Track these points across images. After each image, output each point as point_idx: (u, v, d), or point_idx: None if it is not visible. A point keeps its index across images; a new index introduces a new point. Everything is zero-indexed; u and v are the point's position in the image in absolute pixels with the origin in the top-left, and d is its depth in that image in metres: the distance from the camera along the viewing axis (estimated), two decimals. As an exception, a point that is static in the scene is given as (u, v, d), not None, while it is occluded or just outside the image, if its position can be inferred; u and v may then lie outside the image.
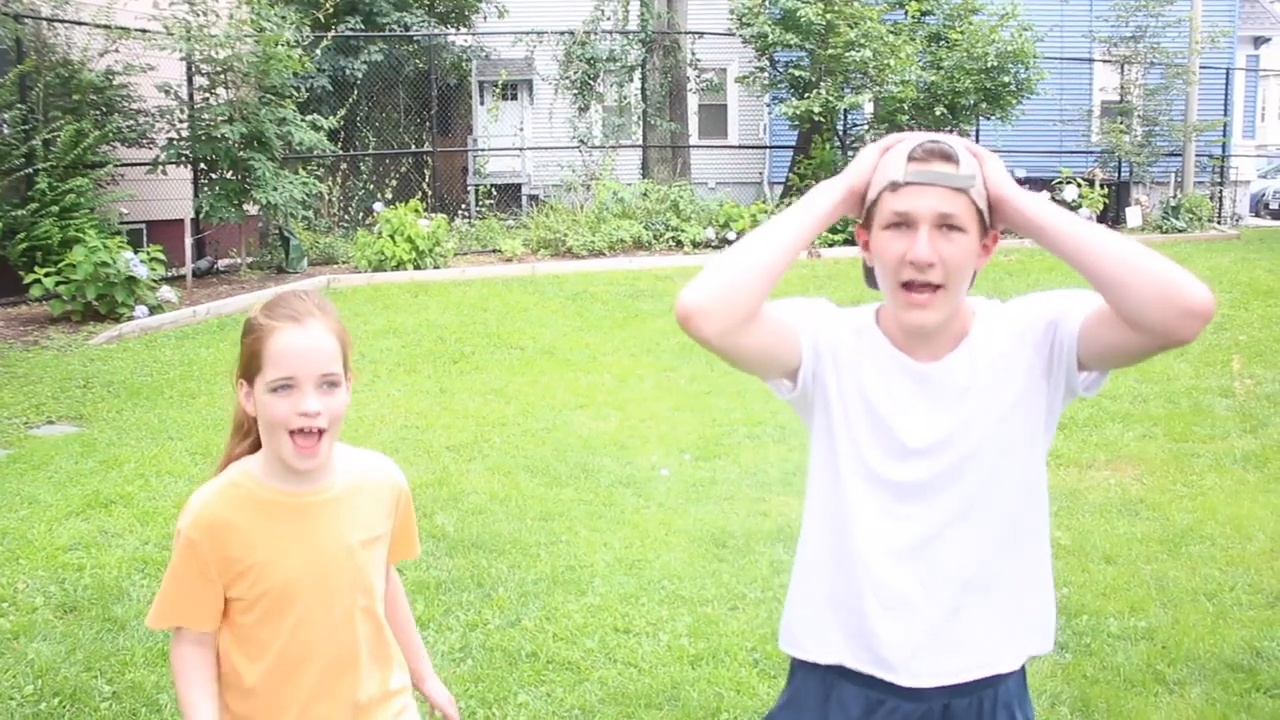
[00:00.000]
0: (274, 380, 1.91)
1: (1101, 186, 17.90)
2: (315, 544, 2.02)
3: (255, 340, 1.94)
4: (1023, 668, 2.02)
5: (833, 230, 15.24)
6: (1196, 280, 1.75)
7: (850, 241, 15.11)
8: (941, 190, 1.82)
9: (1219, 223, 19.43)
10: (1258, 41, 26.16)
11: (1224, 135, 20.45)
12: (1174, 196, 18.79)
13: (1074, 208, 17.11)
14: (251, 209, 13.13)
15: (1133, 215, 18.01)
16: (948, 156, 1.84)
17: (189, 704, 2.00)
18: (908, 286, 1.84)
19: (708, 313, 1.83)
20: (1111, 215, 18.07)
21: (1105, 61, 20.24)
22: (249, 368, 1.95)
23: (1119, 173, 19.29)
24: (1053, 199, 17.19)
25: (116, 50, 12.23)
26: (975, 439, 1.91)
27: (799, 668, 2.12)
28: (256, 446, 2.05)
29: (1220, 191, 20.33)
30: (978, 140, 18.13)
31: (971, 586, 1.94)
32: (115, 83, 12.30)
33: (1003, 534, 1.95)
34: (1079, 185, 17.34)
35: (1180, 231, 17.49)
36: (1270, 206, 24.97)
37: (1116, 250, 1.79)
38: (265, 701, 2.04)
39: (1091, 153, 19.42)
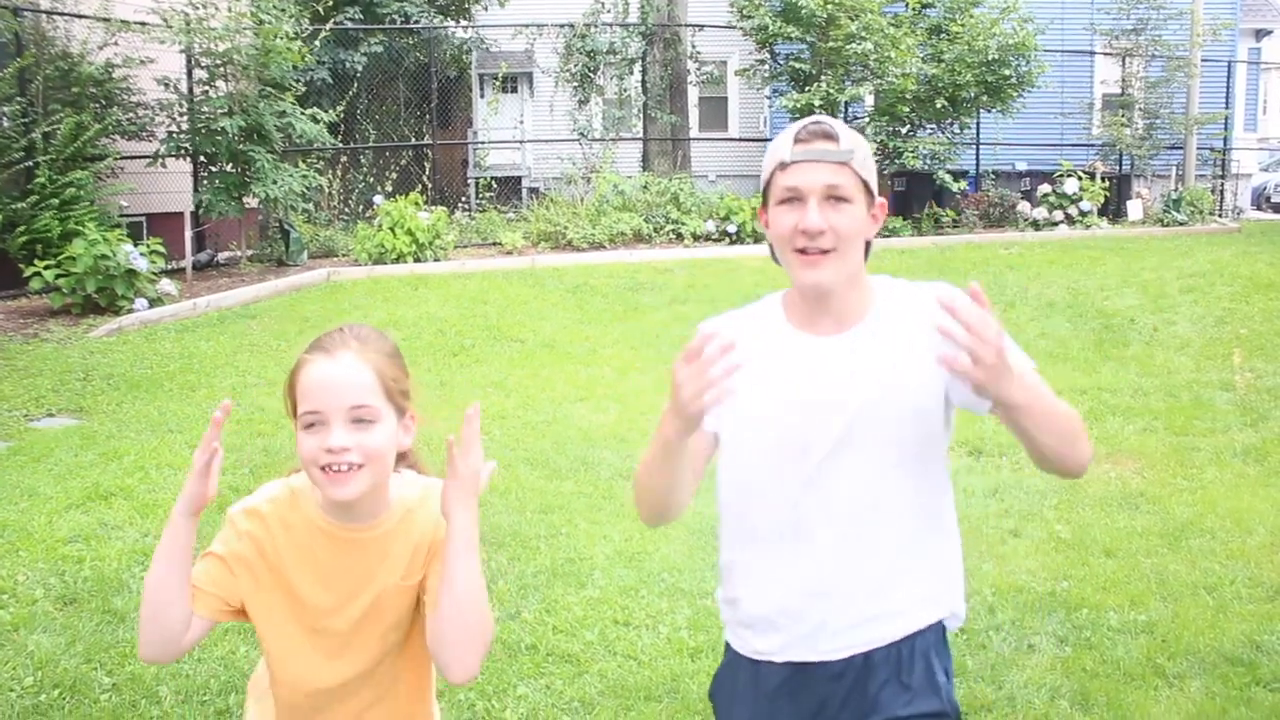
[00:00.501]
0: (303, 415, 1.86)
1: (1102, 179, 17.87)
2: (355, 579, 1.96)
3: (292, 374, 1.89)
4: (940, 624, 2.12)
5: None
6: (1087, 457, 1.97)
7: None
8: (827, 165, 1.97)
9: (1220, 216, 19.41)
10: (1259, 34, 26.11)
11: (1225, 128, 20.41)
12: (1175, 190, 18.78)
13: (1075, 201, 17.10)
14: (251, 202, 13.12)
15: (1133, 208, 17.99)
16: (829, 135, 1.99)
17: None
18: (802, 252, 1.99)
19: (655, 522, 2.17)
20: (1112, 208, 18.05)
21: (1106, 54, 20.21)
22: (294, 407, 1.89)
23: (1120, 166, 19.27)
24: (1054, 191, 17.18)
25: (116, 43, 12.21)
26: (867, 408, 2.00)
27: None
28: None
29: (1221, 185, 20.31)
30: (978, 132, 18.14)
31: (872, 559, 2.06)
32: (115, 76, 12.28)
33: (899, 505, 2.06)
34: (1080, 178, 17.32)
35: (1181, 225, 17.48)
36: (1271, 200, 24.96)
37: (1059, 436, 1.90)
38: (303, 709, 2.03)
39: (1092, 145, 19.40)
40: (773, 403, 2.04)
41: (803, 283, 2.02)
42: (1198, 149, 19.62)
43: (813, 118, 2.05)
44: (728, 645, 2.25)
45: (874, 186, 2.05)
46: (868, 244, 2.09)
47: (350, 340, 1.90)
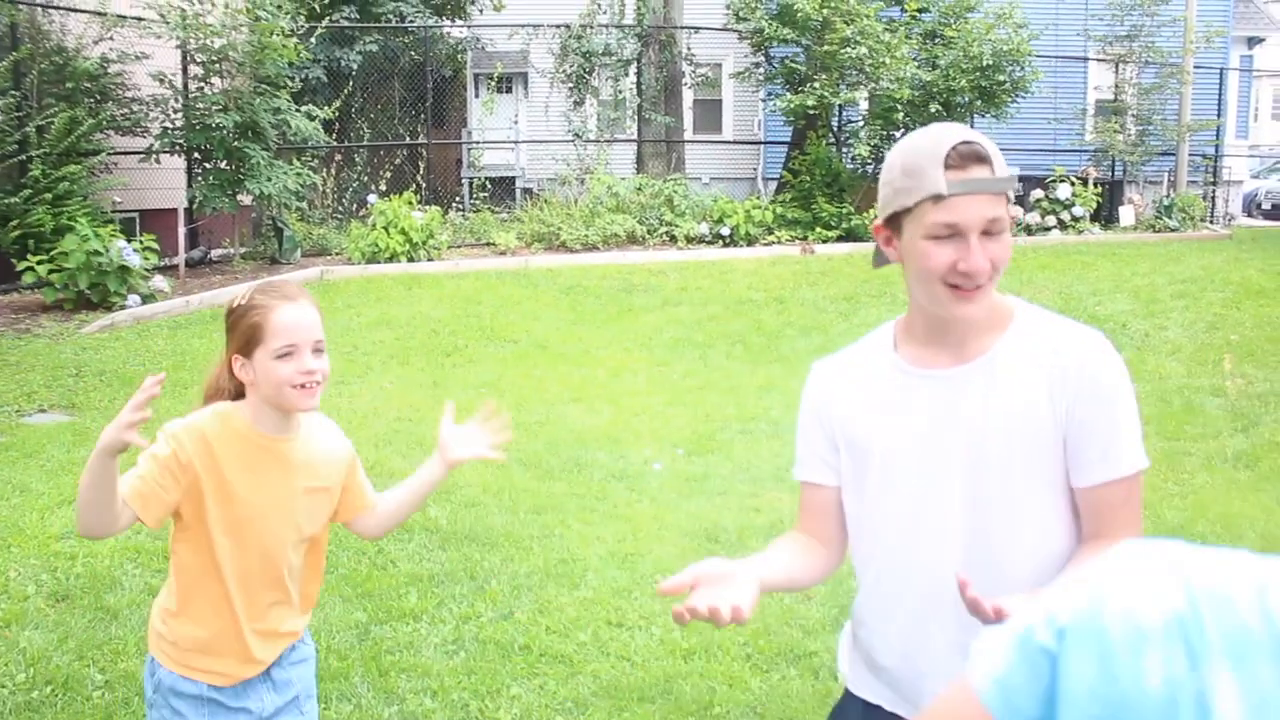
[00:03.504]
0: (279, 348, 2.28)
1: (1095, 185, 17.92)
2: (276, 481, 2.38)
3: (258, 315, 2.29)
4: None
5: (826, 226, 15.26)
6: None
7: (845, 238, 15.15)
8: (986, 196, 1.78)
9: (1212, 222, 19.48)
10: (1251, 42, 26.20)
11: (1217, 135, 20.49)
12: (1167, 196, 18.84)
13: (1067, 206, 17.15)
14: (245, 199, 13.09)
15: (1126, 214, 18.04)
16: (983, 159, 1.79)
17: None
18: (955, 287, 1.81)
19: None
20: (1105, 214, 18.10)
21: (1100, 60, 20.26)
22: (250, 340, 2.29)
23: (1113, 171, 19.32)
24: (1047, 197, 17.23)
25: (111, 38, 12.19)
26: (990, 449, 1.86)
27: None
28: (219, 396, 2.42)
29: (1213, 191, 20.38)
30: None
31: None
32: (110, 71, 12.26)
33: (1020, 556, 1.89)
34: (1073, 183, 17.36)
35: (1173, 231, 17.54)
36: (1263, 206, 25.04)
37: None
38: (230, 627, 2.38)
39: (1085, 151, 19.45)
40: (889, 445, 1.92)
41: (956, 317, 1.83)
42: (1190, 155, 19.68)
43: (958, 135, 1.80)
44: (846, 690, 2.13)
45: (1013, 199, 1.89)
46: None
47: (297, 289, 2.37)
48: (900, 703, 1.97)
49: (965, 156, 1.77)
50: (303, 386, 2.29)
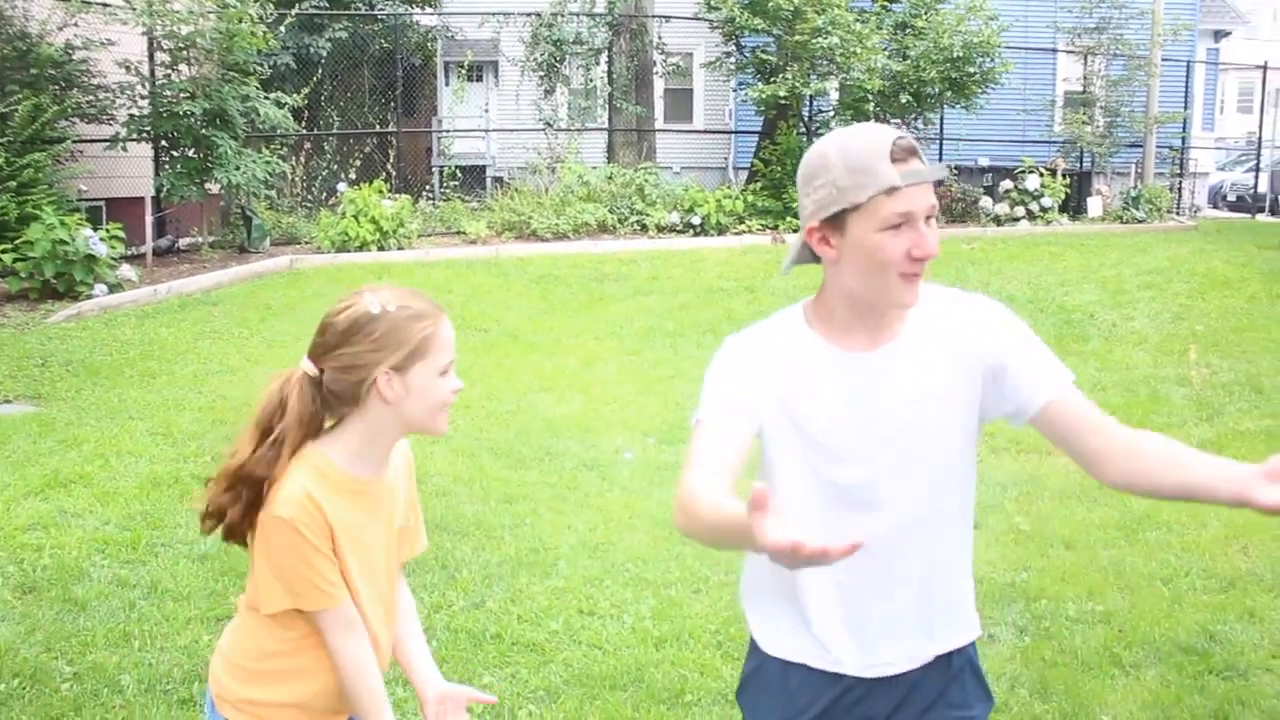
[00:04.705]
0: (444, 364, 2.06)
1: (1063, 176, 18.02)
2: (380, 524, 2.13)
3: (427, 327, 2.04)
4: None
5: (797, 216, 15.24)
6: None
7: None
8: (927, 185, 1.89)
9: (1178, 214, 19.63)
10: (1218, 35, 26.43)
11: (1184, 128, 20.65)
12: (1134, 187, 18.97)
13: (1036, 197, 17.25)
14: (213, 187, 12.99)
15: (1094, 205, 18.17)
16: (916, 152, 1.90)
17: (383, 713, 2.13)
18: (907, 275, 1.90)
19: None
20: (1073, 205, 18.22)
21: (1069, 52, 20.36)
22: (414, 355, 2.02)
23: (1081, 163, 19.44)
24: (1016, 188, 17.32)
25: (76, 24, 12.05)
26: (919, 424, 1.99)
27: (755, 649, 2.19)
28: (309, 436, 2.07)
29: (1179, 183, 20.53)
30: (941, 127, 18.29)
31: (912, 576, 2.06)
32: (75, 57, 12.12)
33: (951, 520, 2.07)
34: (1041, 175, 17.46)
35: (1140, 222, 17.67)
36: (1228, 198, 25.27)
37: None
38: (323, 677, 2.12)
39: (1054, 143, 19.54)
40: (816, 422, 1.98)
41: (903, 304, 1.95)
42: (1157, 147, 19.82)
43: (892, 131, 1.92)
44: (758, 646, 2.17)
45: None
46: None
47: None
48: (832, 661, 2.06)
49: (906, 150, 1.88)
50: (447, 407, 2.09)
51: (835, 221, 1.92)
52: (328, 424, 2.09)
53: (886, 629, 2.04)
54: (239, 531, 2.06)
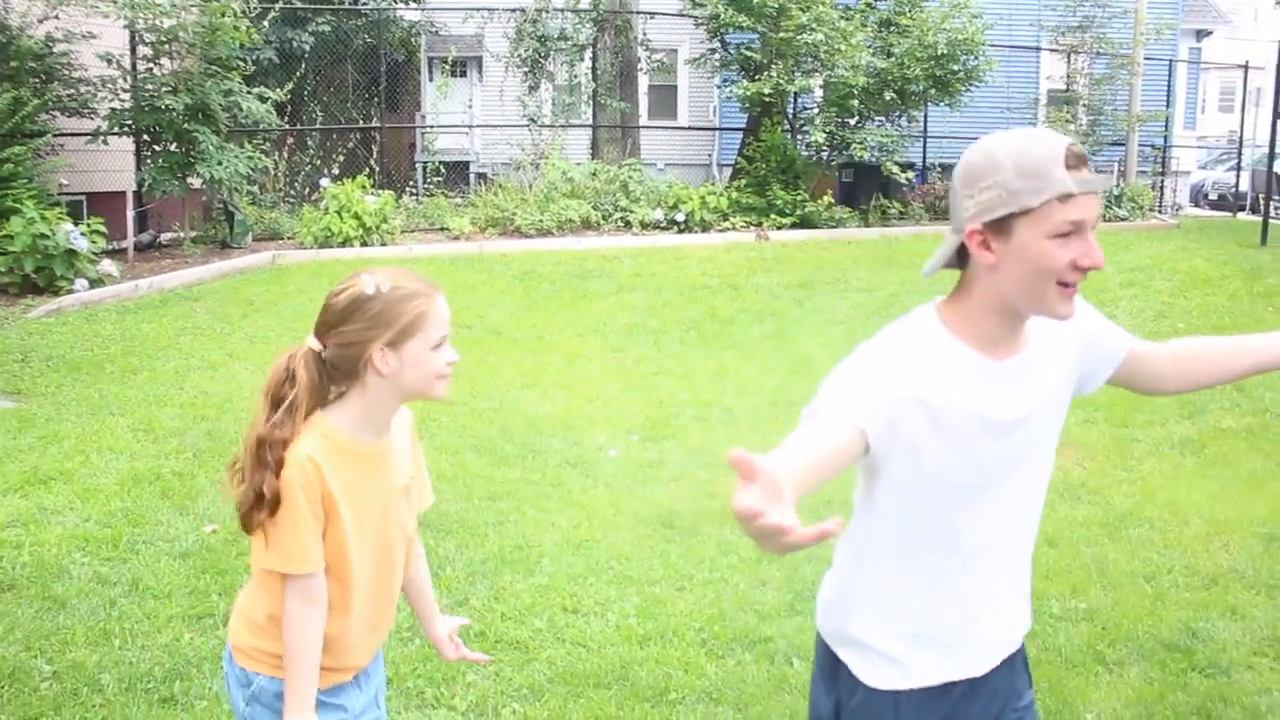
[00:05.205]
0: (438, 338, 2.20)
1: (1046, 174, 18.06)
2: (383, 488, 2.29)
3: (421, 304, 2.19)
4: None
5: (780, 213, 15.30)
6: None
7: (799, 225, 15.19)
8: (1097, 195, 1.88)
9: (1160, 212, 19.72)
10: (1200, 34, 26.57)
11: (1166, 126, 20.74)
12: (1117, 185, 19.04)
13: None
14: (196, 182, 12.91)
15: (1076, 203, 18.21)
16: (1086, 160, 1.89)
17: (300, 676, 2.22)
18: (1066, 285, 1.89)
19: None
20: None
21: (1052, 50, 20.43)
22: (406, 330, 2.17)
23: (1064, 161, 19.50)
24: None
25: (57, 17, 11.96)
26: (1040, 424, 2.04)
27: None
28: (317, 404, 2.25)
29: (1161, 181, 20.64)
30: (925, 125, 18.31)
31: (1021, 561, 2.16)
32: (55, 50, 12.03)
33: (1038, 508, 2.14)
34: (1024, 172, 17.49)
35: (1122, 220, 17.74)
36: (1209, 197, 25.41)
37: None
38: (332, 627, 2.27)
39: (1037, 141, 19.60)
40: (954, 425, 1.94)
41: (1060, 316, 1.92)
42: (1139, 146, 19.91)
43: (1065, 138, 1.89)
44: (858, 680, 2.10)
45: None
46: None
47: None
48: (964, 667, 2.08)
49: (1079, 157, 1.86)
50: (445, 377, 2.24)
51: (1000, 225, 1.88)
52: (333, 395, 2.25)
53: (990, 621, 2.10)
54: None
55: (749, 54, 16.53)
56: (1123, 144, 19.64)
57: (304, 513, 2.15)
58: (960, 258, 1.98)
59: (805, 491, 1.70)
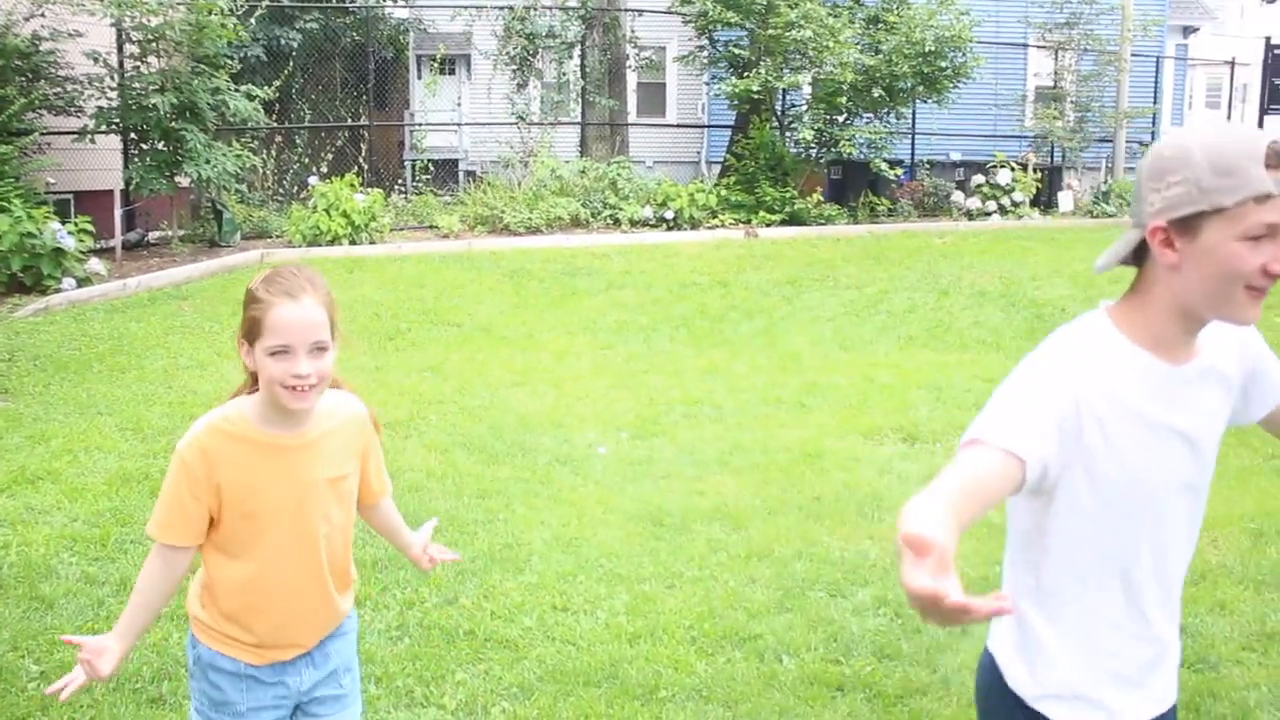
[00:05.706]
0: (272, 346, 2.25)
1: (1034, 171, 18.13)
2: (293, 480, 2.36)
3: (258, 310, 2.26)
4: None
5: (769, 210, 15.31)
6: None
7: (788, 222, 15.20)
8: None
9: (1147, 208, 19.76)
10: (1186, 31, 26.63)
11: (1153, 123, 20.81)
12: (1105, 182, 19.10)
13: (1007, 191, 17.34)
14: (183, 181, 12.87)
15: (1064, 200, 18.28)
16: None
17: (130, 606, 2.41)
18: (1254, 289, 1.77)
19: None
20: (1044, 200, 18.33)
21: (1040, 47, 20.48)
22: (250, 332, 2.28)
23: (1052, 157, 19.56)
24: (987, 182, 17.40)
25: (43, 15, 11.90)
26: (1209, 438, 1.93)
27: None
28: (243, 391, 2.41)
29: (1149, 178, 20.68)
30: (914, 122, 18.34)
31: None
32: (42, 48, 11.97)
33: (1196, 529, 2.00)
34: (1012, 169, 17.55)
35: (1110, 217, 17.79)
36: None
37: None
38: (247, 602, 2.42)
39: (1025, 137, 19.66)
40: (1132, 440, 1.84)
41: (1244, 321, 1.81)
42: (1127, 142, 19.96)
43: (1265, 134, 1.76)
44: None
45: None
46: None
47: (306, 285, 2.30)
48: (1157, 704, 1.99)
49: (1279, 156, 1.73)
50: (293, 389, 2.26)
51: (1187, 223, 1.76)
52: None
53: (1163, 651, 1.98)
54: None
55: (737, 51, 16.54)
56: (1110, 141, 19.70)
57: (180, 488, 2.31)
58: (1138, 255, 1.87)
59: (963, 532, 1.63)
